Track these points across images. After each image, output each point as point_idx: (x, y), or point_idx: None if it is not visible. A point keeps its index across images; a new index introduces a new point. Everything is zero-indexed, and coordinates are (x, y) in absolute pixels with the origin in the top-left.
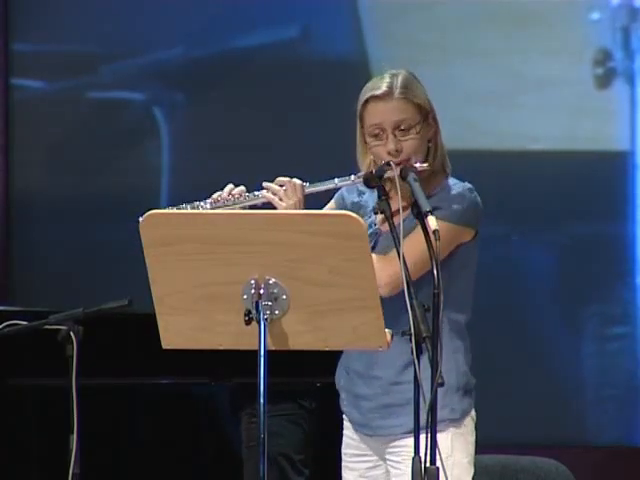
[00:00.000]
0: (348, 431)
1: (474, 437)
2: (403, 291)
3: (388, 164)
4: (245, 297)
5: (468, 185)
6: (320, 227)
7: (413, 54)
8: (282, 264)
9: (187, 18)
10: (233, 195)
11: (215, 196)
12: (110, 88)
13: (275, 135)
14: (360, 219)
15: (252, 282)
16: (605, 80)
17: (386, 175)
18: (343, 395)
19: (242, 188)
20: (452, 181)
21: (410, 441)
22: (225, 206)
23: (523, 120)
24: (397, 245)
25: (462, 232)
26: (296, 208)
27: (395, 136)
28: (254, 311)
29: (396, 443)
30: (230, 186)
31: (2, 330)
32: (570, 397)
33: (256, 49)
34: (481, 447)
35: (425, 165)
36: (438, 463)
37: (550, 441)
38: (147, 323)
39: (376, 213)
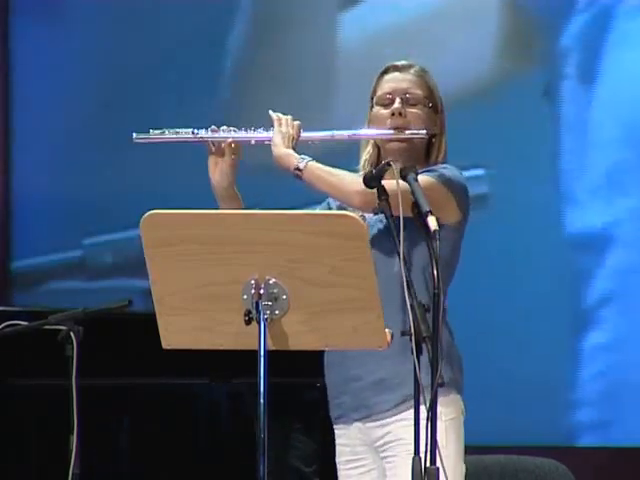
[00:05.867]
0: (340, 439)
1: (462, 430)
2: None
3: (388, 164)
4: (245, 297)
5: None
6: (320, 227)
7: None
8: (282, 264)
9: (187, 18)
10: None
11: (215, 127)
12: (110, 87)
13: None
14: (360, 219)
15: (252, 282)
16: None
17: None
18: (333, 393)
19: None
20: None
21: (402, 431)
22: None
23: None
24: (397, 245)
25: (448, 198)
26: (288, 140)
27: (402, 104)
28: (254, 311)
29: (388, 435)
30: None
31: (2, 330)
32: (570, 397)
33: (254, 51)
34: (481, 447)
35: (423, 132)
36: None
37: (550, 441)
38: (147, 323)
39: (376, 213)
